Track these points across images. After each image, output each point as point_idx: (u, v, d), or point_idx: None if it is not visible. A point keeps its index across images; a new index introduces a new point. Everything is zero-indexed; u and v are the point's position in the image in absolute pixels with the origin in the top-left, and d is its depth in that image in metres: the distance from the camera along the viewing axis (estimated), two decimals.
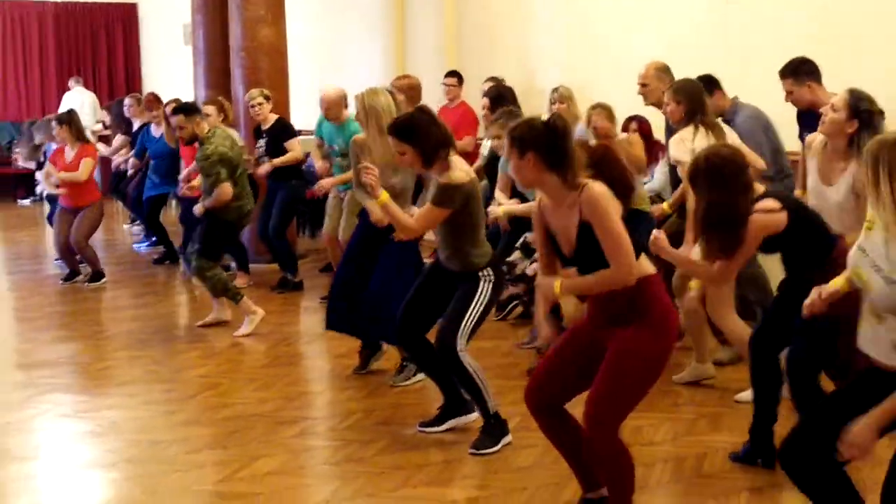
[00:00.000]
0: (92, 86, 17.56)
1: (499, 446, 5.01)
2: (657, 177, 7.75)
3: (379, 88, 6.30)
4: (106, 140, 14.19)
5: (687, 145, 5.81)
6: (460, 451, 5.02)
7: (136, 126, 11.96)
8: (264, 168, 9.13)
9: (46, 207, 11.96)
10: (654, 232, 4.50)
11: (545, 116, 3.98)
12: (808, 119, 5.95)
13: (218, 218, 7.66)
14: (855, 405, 3.28)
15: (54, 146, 10.05)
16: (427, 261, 6.08)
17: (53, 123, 9.87)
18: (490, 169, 7.57)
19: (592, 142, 6.38)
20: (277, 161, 9.10)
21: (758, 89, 6.79)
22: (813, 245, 4.47)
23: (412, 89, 9.32)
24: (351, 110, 8.24)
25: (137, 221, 12.66)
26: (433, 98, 9.64)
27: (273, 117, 9.29)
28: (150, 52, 18.27)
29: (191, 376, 6.62)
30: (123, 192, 12.10)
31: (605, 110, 7.27)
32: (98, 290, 9.53)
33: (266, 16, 10.13)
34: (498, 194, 6.97)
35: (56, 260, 10.48)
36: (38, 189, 14.79)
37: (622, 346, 3.81)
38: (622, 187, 3.89)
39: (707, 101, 6.13)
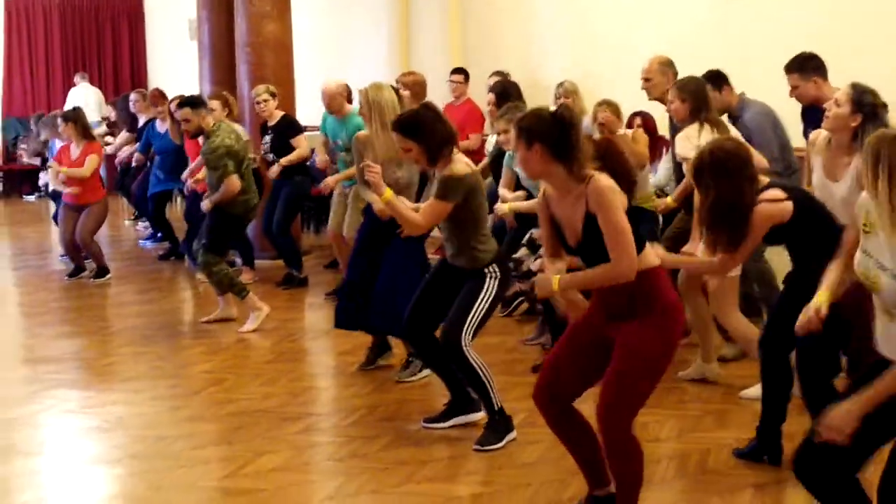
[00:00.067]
0: (97, 81, 17.55)
1: (503, 442, 5.00)
2: (661, 172, 7.74)
3: (383, 83, 6.29)
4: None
5: (693, 142, 5.80)
6: (465, 448, 5.01)
7: (141, 122, 11.95)
8: (274, 170, 9.09)
9: (52, 204, 11.96)
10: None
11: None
12: (812, 115, 5.92)
13: (224, 212, 7.65)
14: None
15: (59, 143, 10.04)
16: (433, 257, 6.06)
17: (59, 120, 9.87)
18: (495, 167, 7.56)
19: (596, 136, 6.37)
20: (285, 160, 9.06)
21: (759, 86, 6.78)
22: (819, 235, 4.45)
23: (417, 85, 9.31)
24: (354, 105, 8.25)
25: (142, 218, 12.66)
26: (438, 94, 9.62)
27: (279, 114, 9.26)
28: (155, 48, 18.26)
29: (196, 372, 6.62)
30: (128, 189, 12.12)
31: (612, 107, 7.25)
32: (103, 286, 9.53)
33: (272, 11, 10.13)
34: (502, 191, 6.93)
35: (61, 256, 10.47)
36: (41, 182, 14.82)
37: (629, 340, 3.80)
38: (624, 181, 3.88)
39: (711, 99, 6.11)
